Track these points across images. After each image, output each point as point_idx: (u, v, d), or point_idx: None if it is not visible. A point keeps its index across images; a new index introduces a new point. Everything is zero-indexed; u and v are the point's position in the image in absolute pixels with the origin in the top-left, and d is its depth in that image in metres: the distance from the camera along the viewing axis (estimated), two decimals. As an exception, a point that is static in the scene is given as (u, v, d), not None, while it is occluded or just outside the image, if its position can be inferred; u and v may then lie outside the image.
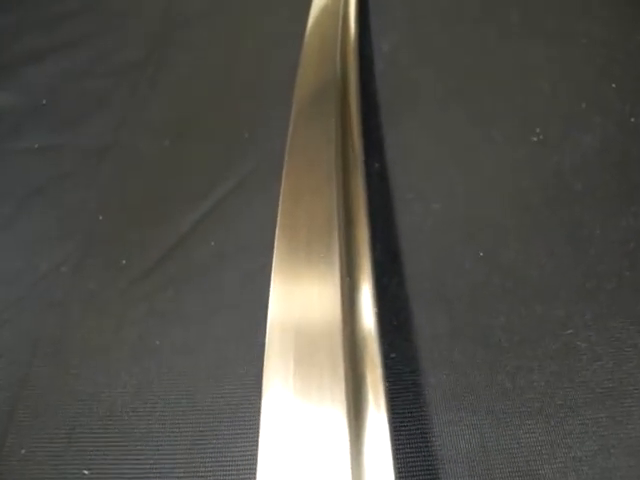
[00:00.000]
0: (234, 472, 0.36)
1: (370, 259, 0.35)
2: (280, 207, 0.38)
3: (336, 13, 0.63)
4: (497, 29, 0.60)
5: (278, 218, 0.37)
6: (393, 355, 0.38)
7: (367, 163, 0.45)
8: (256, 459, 0.26)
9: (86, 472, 0.36)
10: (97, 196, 0.50)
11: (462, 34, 0.60)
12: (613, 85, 0.53)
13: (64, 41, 0.68)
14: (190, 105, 0.58)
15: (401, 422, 0.36)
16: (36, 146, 0.56)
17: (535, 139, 0.50)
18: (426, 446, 0.35)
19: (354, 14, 0.63)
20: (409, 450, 0.35)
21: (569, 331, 0.38)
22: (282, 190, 0.39)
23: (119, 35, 0.68)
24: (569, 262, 0.42)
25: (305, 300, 0.32)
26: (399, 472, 0.32)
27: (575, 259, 0.42)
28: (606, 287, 0.40)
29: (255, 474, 0.25)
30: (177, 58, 0.64)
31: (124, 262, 0.45)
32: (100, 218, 0.48)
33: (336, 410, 0.26)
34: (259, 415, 0.28)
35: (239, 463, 0.36)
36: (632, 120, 0.49)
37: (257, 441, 0.27)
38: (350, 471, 0.25)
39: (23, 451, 0.37)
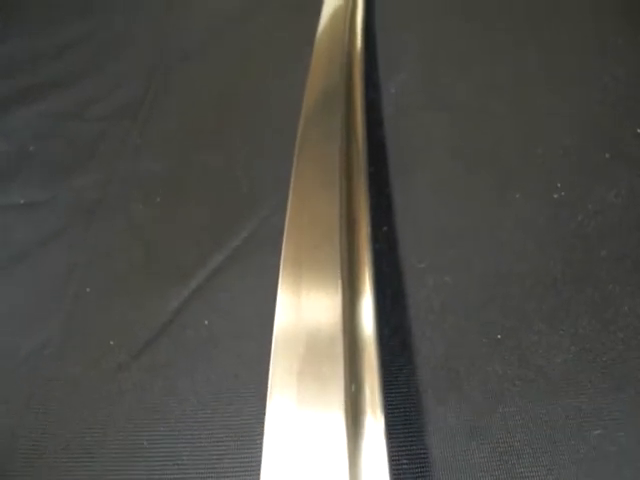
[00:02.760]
0: None
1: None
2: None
3: (342, 50, 0.59)
4: (513, 69, 0.56)
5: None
6: (404, 461, 0.34)
7: (375, 225, 0.41)
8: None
9: None
10: (84, 263, 0.47)
11: (474, 75, 0.56)
12: (638, 130, 0.49)
13: (54, 80, 0.65)
14: (184, 154, 0.55)
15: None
16: (22, 202, 0.52)
17: (556, 196, 0.46)
18: None
19: (360, 52, 0.59)
20: None
21: (597, 431, 0.35)
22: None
23: (112, 73, 0.65)
24: (596, 346, 0.38)
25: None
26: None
27: (602, 342, 0.38)
28: (637, 376, 0.36)
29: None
30: (172, 100, 0.60)
31: (112, 343, 0.41)
32: (87, 290, 0.45)
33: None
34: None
35: None
36: (661, 172, 0.45)
37: None
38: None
39: None
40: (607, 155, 0.49)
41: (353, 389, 0.29)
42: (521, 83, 0.55)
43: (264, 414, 0.29)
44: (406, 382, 0.38)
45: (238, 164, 0.53)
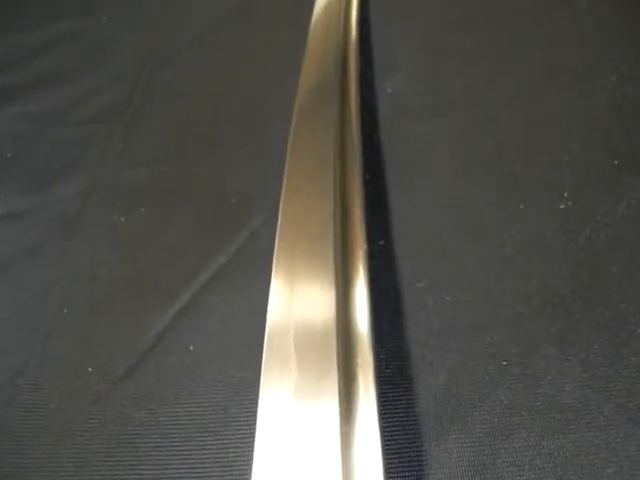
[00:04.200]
0: None
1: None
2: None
3: (336, 47, 0.56)
4: (515, 69, 0.54)
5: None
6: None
7: (370, 239, 0.39)
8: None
9: None
10: (63, 281, 0.44)
11: (475, 76, 0.53)
12: (649, 134, 0.46)
13: (33, 79, 0.62)
14: (170, 161, 0.51)
15: None
16: (-2, 213, 0.49)
17: (563, 207, 0.43)
18: None
19: (355, 49, 0.56)
20: None
21: (611, 469, 0.32)
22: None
23: (96, 72, 0.62)
24: (608, 373, 0.36)
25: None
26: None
27: (615, 369, 0.36)
28: (654, 408, 0.33)
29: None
30: (158, 102, 0.57)
31: (90, 370, 0.38)
32: (65, 311, 0.42)
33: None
34: None
35: None
36: (674, 180, 0.43)
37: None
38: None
39: None
40: (616, 162, 0.46)
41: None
42: (524, 85, 0.53)
43: (254, 450, 0.27)
44: (405, 412, 0.35)
45: (227, 172, 0.50)
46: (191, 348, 0.39)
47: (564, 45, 0.56)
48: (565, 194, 0.44)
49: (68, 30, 0.68)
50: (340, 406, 0.27)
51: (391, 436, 0.34)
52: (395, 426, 0.34)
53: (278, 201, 0.40)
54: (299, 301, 0.32)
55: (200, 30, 0.65)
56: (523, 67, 0.54)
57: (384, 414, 0.34)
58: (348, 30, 0.59)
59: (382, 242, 0.43)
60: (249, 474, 0.27)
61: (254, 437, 0.28)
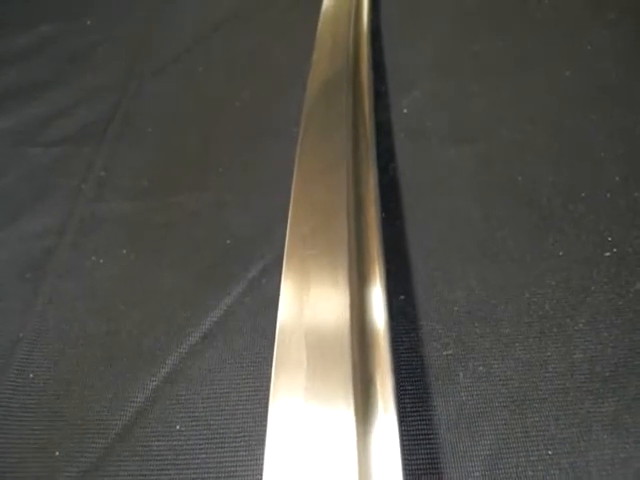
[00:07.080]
0: None
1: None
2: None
3: (345, 60, 0.51)
4: (545, 86, 0.48)
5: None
6: None
7: (390, 293, 0.33)
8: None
9: None
10: (29, 339, 0.37)
11: (503, 94, 0.48)
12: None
13: (8, 92, 0.54)
14: (157, 192, 0.45)
15: None
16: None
17: (608, 254, 0.38)
18: None
19: (367, 63, 0.50)
20: None
21: None
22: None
23: (76, 84, 0.55)
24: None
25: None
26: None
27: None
28: None
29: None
30: (146, 120, 0.51)
31: (57, 454, 0.32)
32: (31, 376, 0.35)
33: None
34: None
35: None
36: None
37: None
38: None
39: None
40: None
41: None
42: (554, 105, 0.47)
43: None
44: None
45: (221, 205, 0.45)
46: (177, 428, 0.33)
47: (597, 61, 0.50)
48: (609, 239, 0.39)
49: (47, 35, 0.62)
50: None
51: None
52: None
53: (279, 244, 0.35)
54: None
55: (192, 39, 0.58)
56: (552, 84, 0.49)
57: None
58: (358, 41, 0.53)
59: (402, 297, 0.37)
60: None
61: None
